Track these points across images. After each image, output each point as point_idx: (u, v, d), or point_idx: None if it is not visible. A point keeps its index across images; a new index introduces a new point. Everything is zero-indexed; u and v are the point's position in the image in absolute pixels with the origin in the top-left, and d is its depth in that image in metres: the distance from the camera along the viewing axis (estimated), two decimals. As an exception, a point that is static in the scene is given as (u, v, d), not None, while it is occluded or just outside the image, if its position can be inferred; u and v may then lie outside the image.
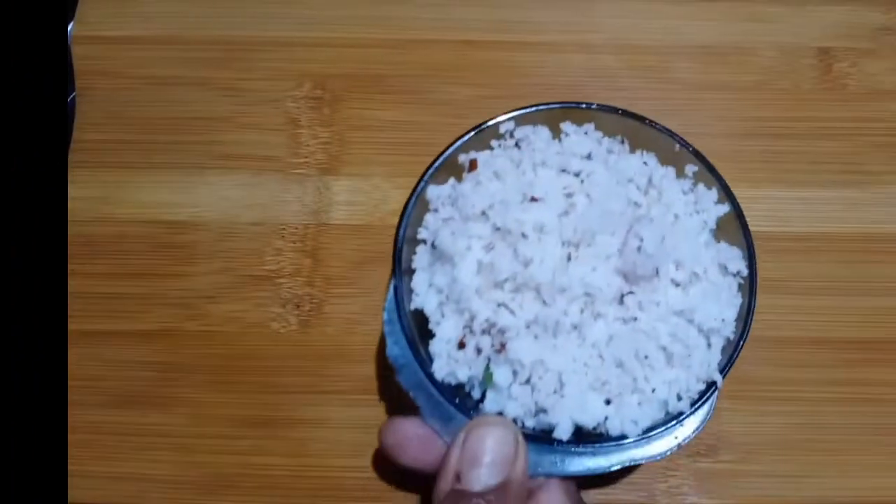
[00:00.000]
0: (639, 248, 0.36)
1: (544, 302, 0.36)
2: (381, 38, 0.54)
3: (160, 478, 0.44)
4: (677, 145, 0.41)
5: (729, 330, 0.38)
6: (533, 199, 0.38)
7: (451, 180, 0.41)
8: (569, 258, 0.37)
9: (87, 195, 0.50)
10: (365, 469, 0.44)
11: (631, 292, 0.37)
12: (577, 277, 0.36)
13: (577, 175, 0.40)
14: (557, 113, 0.41)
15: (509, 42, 0.54)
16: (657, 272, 0.37)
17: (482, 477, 0.31)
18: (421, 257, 0.39)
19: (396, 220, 0.49)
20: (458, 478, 0.31)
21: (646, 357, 0.36)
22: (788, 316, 0.48)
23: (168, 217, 0.49)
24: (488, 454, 0.32)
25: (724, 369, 0.37)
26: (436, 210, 0.40)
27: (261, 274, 0.48)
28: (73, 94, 0.52)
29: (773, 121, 0.51)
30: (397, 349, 0.38)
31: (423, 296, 0.38)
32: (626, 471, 0.44)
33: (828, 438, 0.45)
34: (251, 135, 0.51)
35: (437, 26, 0.55)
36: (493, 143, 0.42)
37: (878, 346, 0.47)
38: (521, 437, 0.33)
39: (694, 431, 0.38)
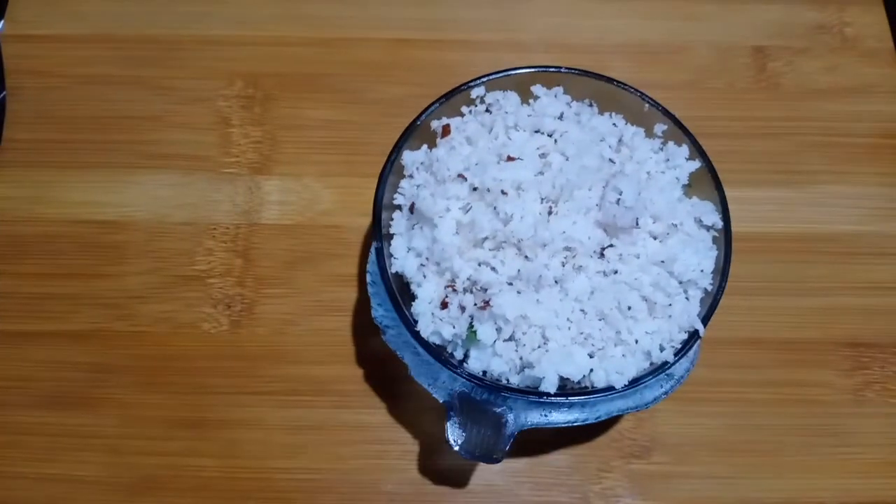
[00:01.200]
0: (618, 201, 0.37)
1: (526, 257, 0.37)
2: (313, 36, 0.54)
3: (90, 479, 0.44)
4: (646, 105, 0.41)
5: (706, 281, 0.38)
6: (509, 159, 0.38)
7: (424, 147, 0.41)
8: (549, 213, 0.37)
9: (17, 195, 0.49)
10: (297, 470, 0.44)
11: (611, 245, 0.38)
12: (558, 231, 0.36)
13: (550, 135, 0.41)
14: (526, 77, 0.42)
15: (441, 41, 0.54)
16: (637, 223, 0.38)
17: None
18: (398, 223, 0.40)
19: (327, 220, 0.49)
20: None
21: (628, 308, 0.36)
22: (724, 316, 0.47)
23: (98, 217, 0.49)
24: None
25: (705, 318, 0.37)
26: (411, 176, 0.41)
27: (191, 274, 0.48)
28: (4, 93, 0.51)
29: (708, 119, 0.52)
30: (382, 310, 0.39)
31: (403, 259, 0.39)
32: (612, 420, 0.45)
33: (762, 440, 0.45)
34: (182, 134, 0.51)
35: (369, 25, 0.55)
36: (464, 109, 0.42)
37: (811, 346, 0.47)
38: None
39: (678, 380, 0.39)
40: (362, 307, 0.47)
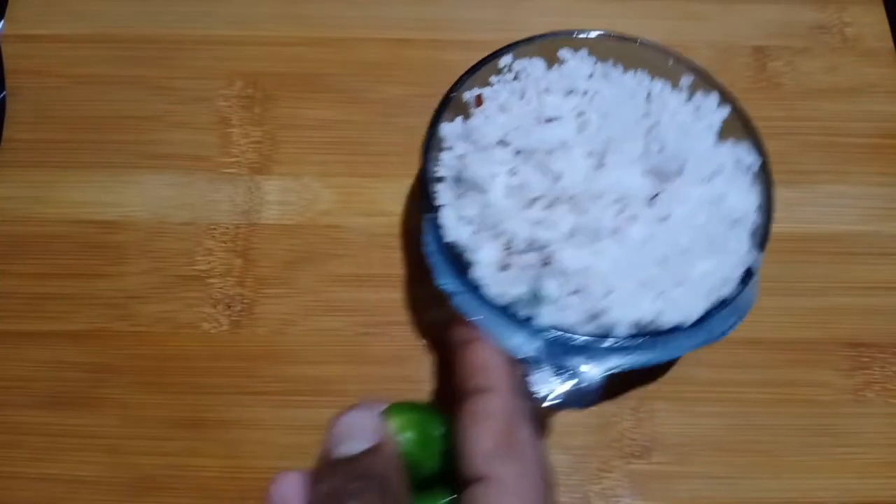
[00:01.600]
0: (661, 150, 0.39)
1: (580, 212, 0.38)
2: (313, 36, 0.54)
3: (90, 479, 0.44)
4: (671, 60, 0.43)
5: (752, 219, 0.40)
6: (549, 120, 0.40)
7: (459, 119, 0.43)
8: (598, 167, 0.39)
9: (17, 195, 0.49)
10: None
11: (661, 192, 0.39)
12: (609, 183, 0.38)
13: (584, 94, 0.42)
14: (551, 44, 0.44)
15: (441, 40, 0.54)
16: (683, 168, 0.39)
17: (345, 450, 0.31)
18: (444, 194, 0.41)
19: (327, 220, 0.49)
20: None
21: (686, 249, 0.38)
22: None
23: (98, 217, 0.49)
24: (349, 430, 0.32)
25: (759, 251, 0.39)
26: (450, 147, 0.42)
27: (191, 274, 0.48)
28: (4, 93, 0.51)
29: (708, 119, 0.52)
30: (445, 278, 0.39)
31: (455, 229, 0.39)
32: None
33: (762, 440, 0.45)
34: (182, 134, 0.51)
35: (369, 25, 0.55)
36: (493, 79, 0.44)
37: (812, 346, 0.47)
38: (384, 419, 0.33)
39: (743, 314, 0.40)
40: (362, 306, 0.47)
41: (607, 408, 0.46)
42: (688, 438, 0.45)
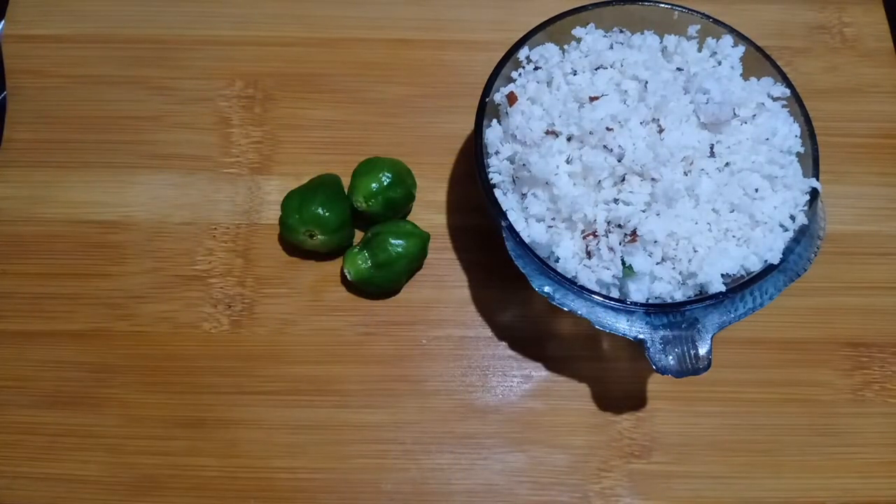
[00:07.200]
0: (708, 99, 0.40)
1: (653, 179, 0.38)
2: (313, 37, 0.54)
3: (91, 478, 0.44)
4: (676, 13, 0.44)
5: (798, 145, 0.41)
6: (592, 99, 0.40)
7: (494, 122, 0.43)
8: (659, 131, 0.39)
9: (17, 195, 0.49)
10: (297, 469, 0.44)
11: (718, 142, 0.40)
12: (673, 145, 0.38)
13: (611, 66, 0.42)
14: (556, 27, 0.44)
15: (440, 41, 0.54)
16: (734, 113, 0.40)
17: None
18: (505, 199, 0.41)
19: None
20: None
21: (755, 191, 0.39)
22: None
23: (98, 217, 0.49)
24: None
25: (815, 175, 0.41)
26: (496, 152, 0.42)
27: (192, 274, 0.48)
28: (4, 93, 0.51)
29: (708, 119, 0.51)
30: (539, 281, 0.39)
31: (527, 229, 0.40)
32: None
33: (761, 439, 0.45)
34: (182, 134, 0.51)
35: (369, 25, 0.55)
36: (514, 74, 0.44)
37: (811, 346, 0.48)
38: None
39: (820, 238, 0.41)
40: (362, 306, 0.47)
41: (607, 408, 0.46)
42: (688, 438, 0.45)
